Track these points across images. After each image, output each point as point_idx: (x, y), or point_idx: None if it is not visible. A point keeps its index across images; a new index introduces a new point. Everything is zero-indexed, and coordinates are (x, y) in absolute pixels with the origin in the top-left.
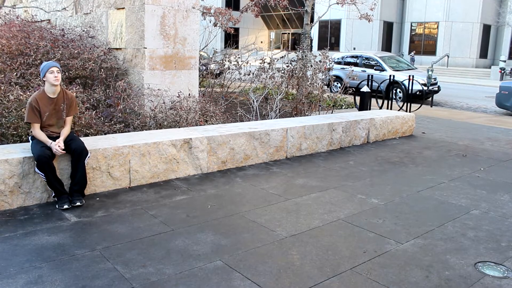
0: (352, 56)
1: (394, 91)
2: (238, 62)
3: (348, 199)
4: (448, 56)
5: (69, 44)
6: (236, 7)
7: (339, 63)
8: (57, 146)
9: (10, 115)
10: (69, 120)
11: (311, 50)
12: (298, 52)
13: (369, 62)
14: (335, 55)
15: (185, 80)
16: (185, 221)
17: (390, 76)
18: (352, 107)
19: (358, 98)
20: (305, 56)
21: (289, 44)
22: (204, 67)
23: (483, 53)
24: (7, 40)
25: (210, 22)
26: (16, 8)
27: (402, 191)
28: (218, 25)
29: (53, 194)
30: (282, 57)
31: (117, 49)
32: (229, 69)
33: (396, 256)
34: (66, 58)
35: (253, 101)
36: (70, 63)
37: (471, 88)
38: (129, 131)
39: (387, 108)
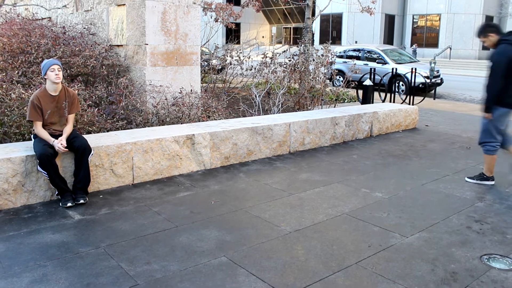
0: (354, 50)
1: (396, 84)
2: (239, 57)
3: (352, 193)
4: (450, 48)
5: (70, 42)
6: (237, 2)
7: (341, 56)
8: (60, 144)
9: (12, 113)
10: (71, 117)
11: (312, 44)
12: (300, 47)
13: (371, 56)
14: (337, 48)
15: (187, 76)
16: (189, 217)
17: (392, 69)
18: (355, 101)
19: (360, 92)
20: (307, 50)
21: (291, 39)
22: (205, 63)
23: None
24: (8, 38)
25: (211, 17)
26: (16, 6)
27: (406, 184)
28: (219, 20)
29: (56, 192)
30: (284, 51)
31: (118, 45)
32: (231, 64)
33: (401, 249)
34: (68, 55)
35: (256, 96)
36: (71, 60)
37: (474, 80)
38: (131, 128)
39: (390, 101)
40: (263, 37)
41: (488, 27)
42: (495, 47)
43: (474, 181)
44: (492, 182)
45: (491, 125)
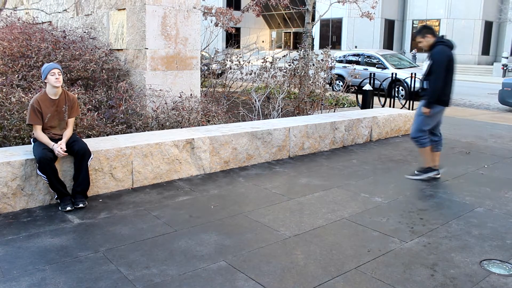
0: (354, 55)
1: (396, 89)
2: (239, 62)
3: (352, 198)
4: None
5: (70, 46)
6: (237, 6)
7: (340, 61)
8: (59, 148)
9: (12, 117)
10: (71, 121)
11: (312, 49)
12: (299, 51)
13: (371, 60)
14: (336, 53)
15: (186, 80)
16: (188, 221)
17: (392, 74)
18: (355, 106)
19: (360, 97)
20: (307, 55)
21: (291, 43)
22: (205, 67)
23: (485, 50)
24: (8, 42)
25: (211, 22)
26: (17, 10)
27: (405, 189)
28: (219, 25)
29: (56, 196)
30: (284, 56)
31: (118, 50)
32: (230, 68)
33: (400, 255)
34: (68, 59)
35: (255, 101)
36: (71, 64)
37: (473, 85)
38: (131, 132)
39: (390, 106)
40: (263, 41)
41: (425, 28)
42: (431, 49)
43: (420, 177)
44: (436, 172)
45: (426, 121)
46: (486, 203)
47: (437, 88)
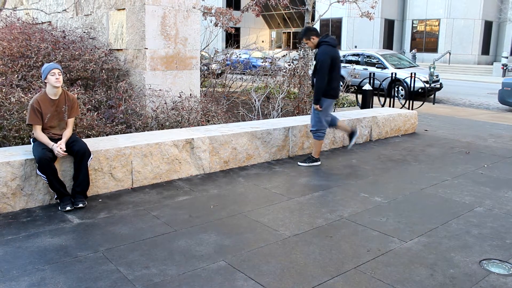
0: (354, 54)
1: (396, 89)
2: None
3: (351, 198)
4: (449, 53)
5: (70, 46)
6: (237, 6)
7: (340, 61)
8: (59, 148)
9: (11, 117)
10: (70, 121)
11: (312, 48)
12: (299, 51)
13: (370, 60)
14: None
15: (186, 80)
16: (188, 221)
17: (392, 73)
18: (354, 105)
19: (360, 96)
20: (307, 54)
21: (290, 43)
22: (205, 67)
23: (485, 50)
24: (8, 42)
25: (211, 22)
26: (17, 11)
27: (405, 189)
28: (219, 25)
29: (55, 196)
30: (284, 56)
31: (118, 50)
32: (230, 68)
33: (400, 254)
34: (67, 59)
35: (255, 101)
36: (71, 64)
37: (473, 85)
38: (131, 132)
39: (389, 106)
40: (262, 41)
41: (310, 30)
42: (315, 48)
43: (306, 164)
44: (319, 162)
45: (322, 114)
46: (486, 203)
47: (321, 86)
